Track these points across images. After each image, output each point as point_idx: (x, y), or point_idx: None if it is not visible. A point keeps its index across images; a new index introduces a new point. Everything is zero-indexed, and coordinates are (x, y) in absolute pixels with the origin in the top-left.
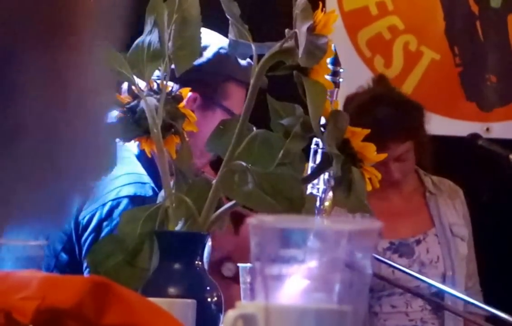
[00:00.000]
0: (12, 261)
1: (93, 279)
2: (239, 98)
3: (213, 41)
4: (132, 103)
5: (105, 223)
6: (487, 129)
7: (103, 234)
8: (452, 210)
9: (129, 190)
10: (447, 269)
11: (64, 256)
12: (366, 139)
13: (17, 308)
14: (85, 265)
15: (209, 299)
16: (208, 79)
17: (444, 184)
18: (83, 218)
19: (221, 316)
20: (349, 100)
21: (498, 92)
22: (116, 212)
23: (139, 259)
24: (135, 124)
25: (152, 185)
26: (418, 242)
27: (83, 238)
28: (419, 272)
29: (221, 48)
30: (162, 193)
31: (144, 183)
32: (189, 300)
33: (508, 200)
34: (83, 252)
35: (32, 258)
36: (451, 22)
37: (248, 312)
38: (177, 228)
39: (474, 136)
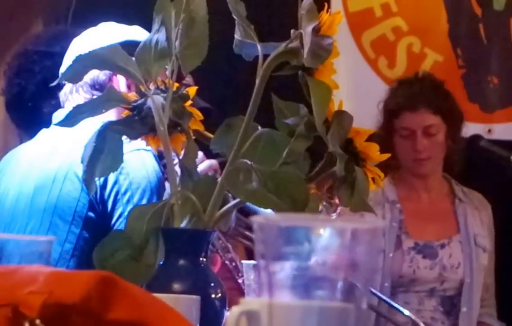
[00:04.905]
0: (20, 256)
1: (99, 274)
2: None
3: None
4: (139, 101)
5: (119, 175)
6: (489, 131)
7: (119, 184)
8: (477, 220)
9: (138, 145)
10: (466, 276)
11: (92, 216)
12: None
13: (24, 302)
14: (115, 216)
15: (213, 296)
16: None
17: (473, 195)
18: (99, 180)
19: (225, 312)
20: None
21: (500, 94)
22: (129, 162)
23: (145, 255)
24: (141, 122)
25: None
26: (443, 246)
27: (105, 195)
28: (440, 275)
29: None
30: (168, 190)
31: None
32: (194, 296)
33: (510, 202)
34: (109, 208)
35: (40, 254)
36: (454, 24)
37: (252, 309)
38: (183, 225)
39: (476, 137)
